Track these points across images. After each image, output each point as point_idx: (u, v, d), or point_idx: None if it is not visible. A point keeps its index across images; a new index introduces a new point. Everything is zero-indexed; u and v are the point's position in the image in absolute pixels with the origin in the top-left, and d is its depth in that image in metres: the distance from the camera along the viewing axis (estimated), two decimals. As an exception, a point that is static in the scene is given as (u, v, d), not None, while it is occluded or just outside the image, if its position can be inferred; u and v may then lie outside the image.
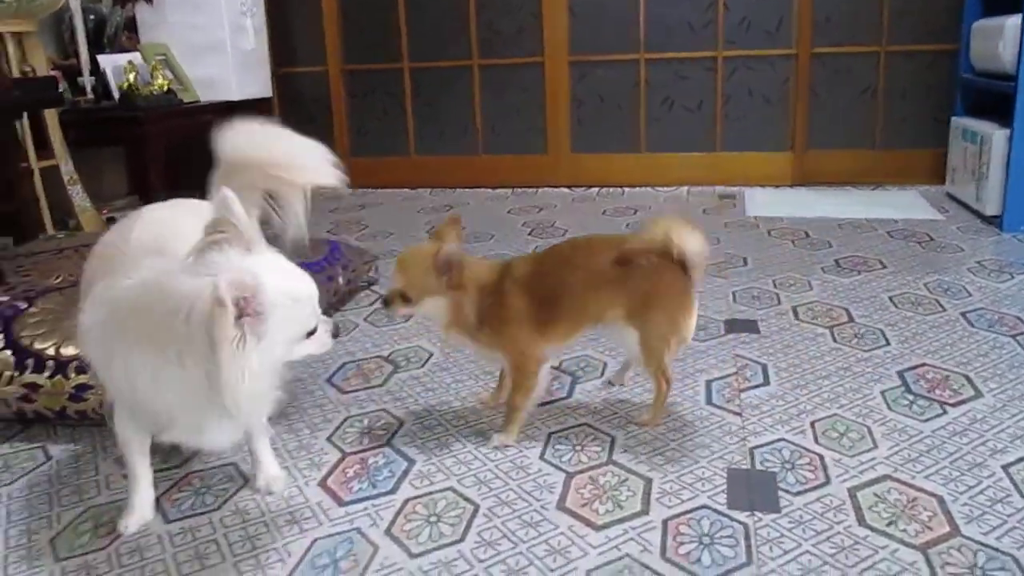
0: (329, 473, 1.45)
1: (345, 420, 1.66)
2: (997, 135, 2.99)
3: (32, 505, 1.39)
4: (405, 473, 1.45)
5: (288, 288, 1.12)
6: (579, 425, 1.60)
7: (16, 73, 2.92)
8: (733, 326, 2.09)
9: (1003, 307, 2.17)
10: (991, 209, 3.06)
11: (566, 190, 3.97)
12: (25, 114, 2.84)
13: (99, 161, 3.80)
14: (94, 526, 1.32)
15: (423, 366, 1.92)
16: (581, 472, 1.43)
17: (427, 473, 1.44)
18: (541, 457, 1.48)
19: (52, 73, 3.24)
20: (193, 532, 1.30)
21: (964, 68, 3.49)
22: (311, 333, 1.18)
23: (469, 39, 4.01)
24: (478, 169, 4.09)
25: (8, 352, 1.64)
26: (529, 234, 3.14)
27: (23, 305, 1.80)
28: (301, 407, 1.72)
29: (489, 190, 4.03)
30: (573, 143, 4.01)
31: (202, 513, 1.35)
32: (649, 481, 1.39)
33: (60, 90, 3.12)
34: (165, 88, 3.42)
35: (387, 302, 1.50)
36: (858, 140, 3.80)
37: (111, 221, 3.54)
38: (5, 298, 1.86)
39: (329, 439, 1.58)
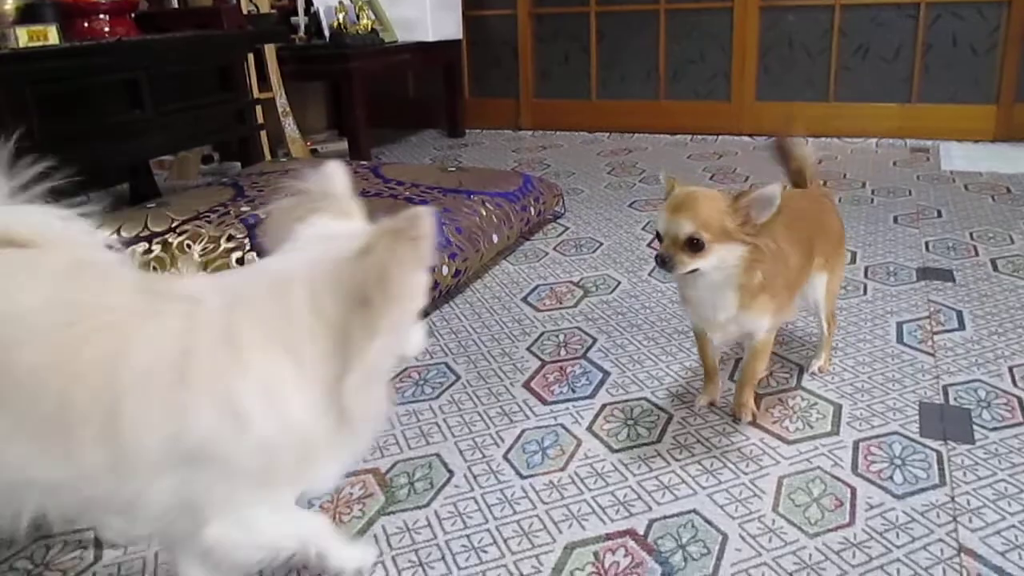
0: (532, 377, 1.59)
1: (542, 334, 1.79)
2: None
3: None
4: (601, 383, 1.56)
5: None
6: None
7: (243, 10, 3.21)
8: (926, 274, 2.06)
9: None
10: None
11: (747, 138, 3.92)
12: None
13: (301, 97, 4.10)
14: (332, 402, 1.52)
15: (612, 292, 2.02)
16: (770, 394, 1.49)
17: (622, 384, 1.55)
18: (731, 378, 1.56)
19: (271, 13, 3.52)
20: (417, 415, 1.46)
21: None
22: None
23: (658, -17, 4.00)
24: (658, 114, 4.11)
25: (254, 253, 1.86)
26: (710, 178, 3.16)
27: (263, 214, 2.04)
28: (501, 320, 1.86)
29: (668, 136, 4.04)
30: (758, 91, 3.95)
31: (423, 400, 1.51)
32: (839, 407, 1.44)
33: (284, 26, 3.39)
34: (369, 28, 3.64)
35: (665, 260, 1.20)
36: (1074, 94, 3.54)
37: (315, 152, 3.84)
38: (246, 208, 2.11)
39: (529, 349, 1.71)
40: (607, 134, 4.16)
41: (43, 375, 0.79)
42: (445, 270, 1.92)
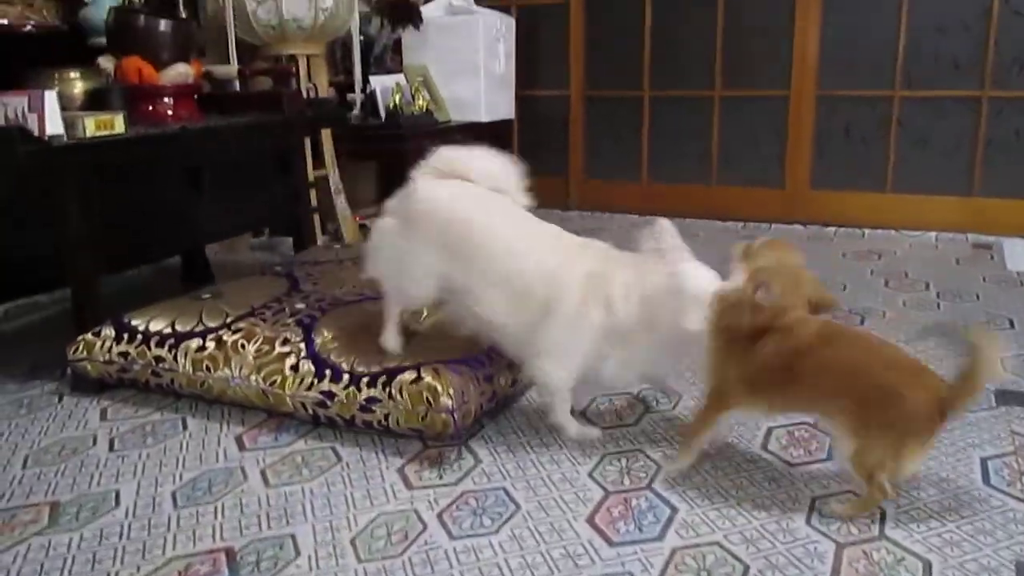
0: (595, 511, 1.51)
1: (604, 457, 1.71)
2: None
3: (332, 503, 1.55)
4: (670, 520, 1.48)
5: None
6: (844, 492, 1.56)
7: (303, 91, 3.24)
8: (1006, 398, 1.96)
9: None
10: None
11: (800, 227, 3.85)
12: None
13: (352, 168, 4.13)
14: (387, 532, 1.45)
15: (674, 407, 1.94)
16: (852, 544, 1.40)
17: (692, 523, 1.47)
18: (807, 522, 1.47)
19: (330, 92, 3.56)
20: (476, 552, 1.39)
21: None
22: None
23: (712, 69, 3.99)
24: (710, 199, 4.06)
25: (309, 362, 1.82)
26: (768, 274, 3.09)
27: (318, 314, 2.00)
28: (559, 438, 1.79)
29: (719, 222, 3.98)
30: (813, 179, 3.89)
31: (482, 535, 1.44)
32: (927, 564, 1.34)
33: (343, 110, 3.42)
34: (424, 108, 3.65)
35: None
36: None
37: (364, 227, 3.84)
38: (301, 305, 2.08)
39: (591, 474, 1.64)
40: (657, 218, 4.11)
41: (527, 273, 1.68)
42: (503, 379, 1.86)
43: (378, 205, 4.28)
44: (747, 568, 1.34)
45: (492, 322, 1.72)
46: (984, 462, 1.67)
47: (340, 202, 3.50)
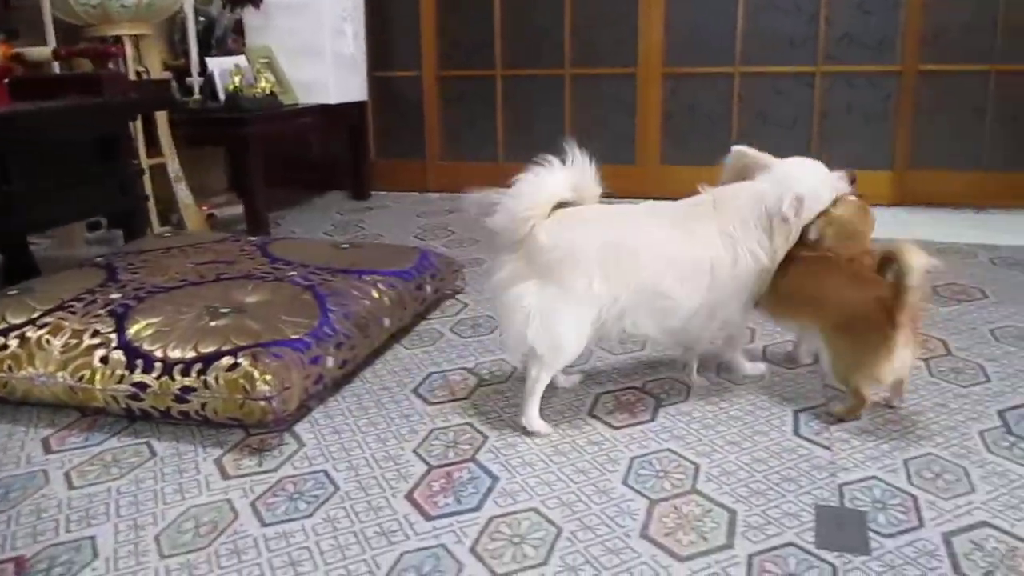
0: (416, 486, 1.49)
1: (431, 432, 1.69)
2: (1115, 161, 2.85)
3: (139, 501, 1.47)
4: (489, 490, 1.47)
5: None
6: (662, 450, 1.59)
7: (132, 74, 3.07)
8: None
9: (1114, 346, 2.07)
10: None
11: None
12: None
13: (198, 158, 3.96)
14: (195, 525, 1.38)
15: (507, 380, 1.94)
16: (664, 500, 1.43)
17: (511, 491, 1.46)
18: (624, 482, 1.49)
19: (164, 75, 3.39)
20: (287, 538, 1.35)
21: (1081, 89, 3.33)
22: None
23: (563, 49, 4.02)
24: (566, 178, 4.09)
25: (120, 352, 1.72)
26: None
27: (133, 303, 1.90)
28: (389, 416, 1.76)
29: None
30: (663, 155, 3.98)
31: (296, 519, 1.39)
32: (734, 513, 1.38)
33: (172, 93, 3.26)
34: (268, 91, 3.53)
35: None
36: (964, 161, 3.66)
37: (211, 217, 3.69)
38: (117, 295, 1.96)
39: (415, 450, 1.61)
40: (515, 197, 4.11)
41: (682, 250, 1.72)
42: (331, 361, 1.81)
43: (229, 194, 4.15)
44: (560, 531, 1.34)
45: (676, 315, 1.73)
46: (797, 415, 1.73)
47: (181, 190, 3.34)
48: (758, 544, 1.30)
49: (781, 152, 1.90)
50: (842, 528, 1.34)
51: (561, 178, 1.69)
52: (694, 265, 1.70)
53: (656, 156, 3.99)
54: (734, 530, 1.34)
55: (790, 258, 1.76)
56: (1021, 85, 3.55)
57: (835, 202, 1.78)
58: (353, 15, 3.95)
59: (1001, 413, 1.73)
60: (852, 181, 1.83)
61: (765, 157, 1.83)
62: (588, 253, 1.63)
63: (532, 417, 1.68)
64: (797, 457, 1.56)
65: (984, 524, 1.34)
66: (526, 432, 1.68)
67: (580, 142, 1.55)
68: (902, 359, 1.60)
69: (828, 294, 1.71)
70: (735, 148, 1.85)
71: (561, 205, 1.69)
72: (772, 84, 3.81)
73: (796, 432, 1.66)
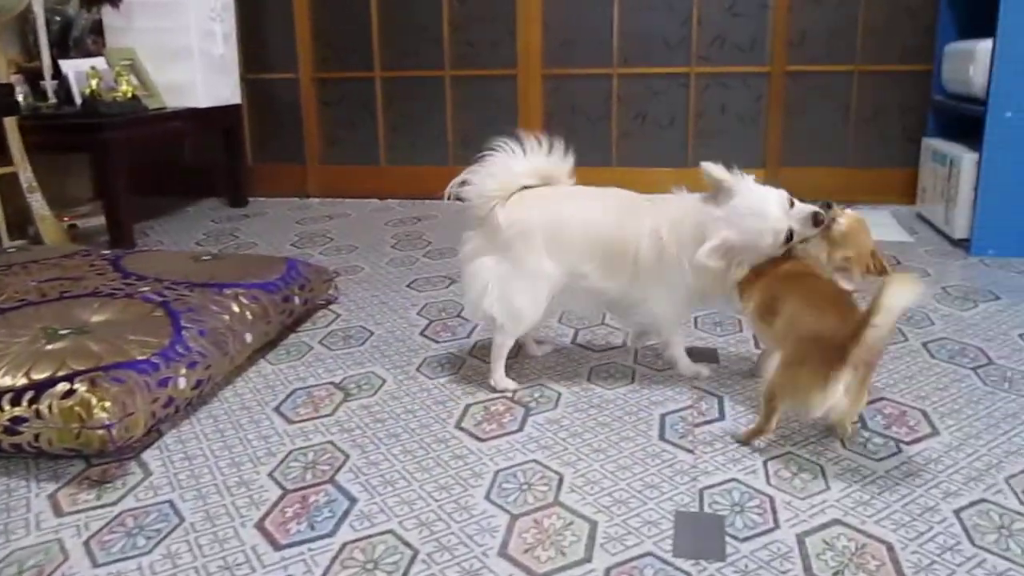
0: (268, 513, 1.41)
1: (290, 454, 1.61)
2: (966, 159, 2.99)
3: (-45, 545, 1.34)
4: (346, 514, 1.41)
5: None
6: (528, 462, 1.56)
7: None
8: (692, 355, 2.06)
9: (966, 337, 2.16)
10: (959, 232, 3.05)
11: (537, 203, 3.93)
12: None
13: (62, 166, 3.74)
14: (18, 571, 1.27)
15: (375, 394, 1.88)
16: (526, 514, 1.40)
17: (368, 513, 1.41)
18: (487, 497, 1.45)
19: (12, 78, 3.18)
20: (120, 578, 1.25)
21: (936, 90, 3.49)
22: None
23: (442, 50, 3.97)
24: (449, 180, 4.03)
25: (-61, 381, 1.58)
26: (496, 251, 3.10)
27: (-38, 328, 1.75)
28: (246, 438, 1.68)
29: (460, 202, 3.96)
30: (545, 156, 3.98)
31: (132, 557, 1.30)
32: (595, 525, 1.36)
33: (18, 97, 3.06)
34: (130, 94, 3.35)
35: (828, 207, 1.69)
36: (832, 158, 3.79)
37: (73, 228, 3.49)
38: (-59, 320, 1.81)
39: (271, 474, 1.54)
40: (398, 201, 4.05)
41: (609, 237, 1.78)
42: (183, 382, 1.71)
43: (95, 203, 3.93)
44: (416, 553, 1.29)
45: (610, 291, 1.83)
46: (663, 418, 1.73)
47: (36, 201, 3.13)
48: (616, 556, 1.28)
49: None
50: (700, 534, 1.34)
51: (528, 164, 1.83)
52: (617, 253, 1.76)
53: (539, 158, 3.98)
54: (594, 543, 1.31)
55: (777, 268, 1.70)
56: (882, 85, 3.70)
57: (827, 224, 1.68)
58: (223, 15, 3.80)
59: (858, 408, 1.77)
60: (817, 224, 1.67)
61: (729, 181, 1.70)
62: (536, 232, 1.78)
63: (499, 378, 1.88)
64: (661, 463, 1.55)
65: (836, 522, 1.36)
66: (495, 390, 1.87)
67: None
68: (837, 400, 1.45)
69: (794, 311, 1.59)
70: (702, 164, 1.72)
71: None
72: (649, 85, 3.86)
73: (662, 436, 1.65)
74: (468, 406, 1.80)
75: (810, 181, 3.78)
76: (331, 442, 1.66)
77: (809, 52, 3.71)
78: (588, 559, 1.27)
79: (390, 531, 1.35)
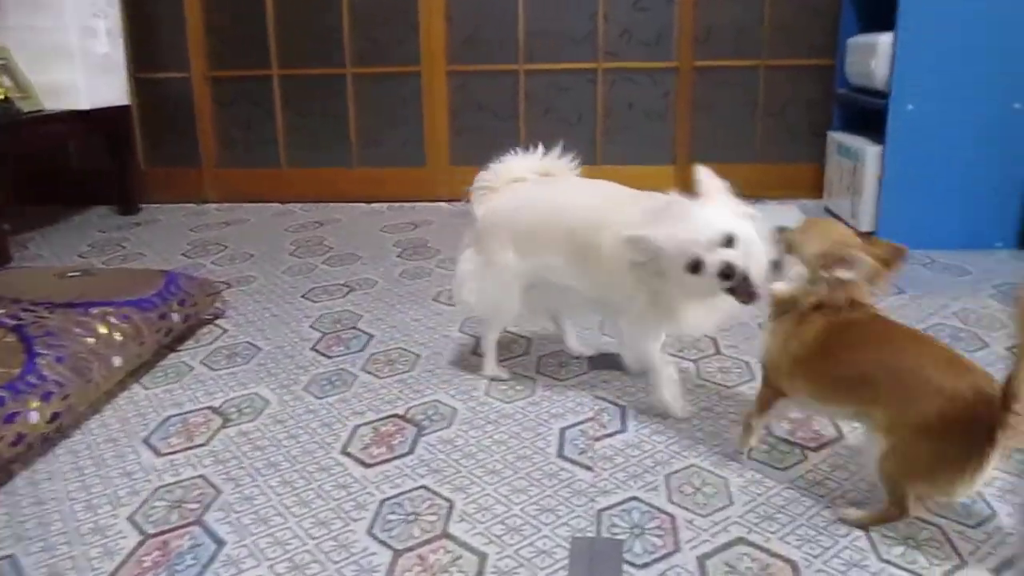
0: (122, 564, 1.27)
1: (155, 491, 1.47)
2: (870, 152, 2.99)
3: None
4: (211, 560, 1.27)
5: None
6: (416, 488, 1.45)
7: None
8: (597, 362, 1.98)
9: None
10: (865, 225, 3.05)
11: (445, 204, 3.82)
12: None
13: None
14: None
15: (256, 418, 1.74)
16: (410, 549, 1.28)
17: (236, 559, 1.27)
18: (369, 531, 1.33)
19: None
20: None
21: (840, 83, 3.50)
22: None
23: (342, 47, 3.81)
24: (353, 182, 3.89)
25: None
26: (398, 256, 2.98)
27: None
28: (107, 476, 1.52)
29: (364, 205, 3.83)
30: (452, 155, 3.86)
31: (-45, 624, 1.15)
32: (484, 558, 1.26)
33: None
34: (2, 96, 3.12)
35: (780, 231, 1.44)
36: (740, 154, 3.78)
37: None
38: None
39: (131, 518, 1.39)
40: (300, 205, 3.87)
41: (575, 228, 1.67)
42: (35, 416, 1.55)
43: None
44: (285, 604, 1.17)
45: (582, 288, 1.74)
46: (563, 433, 1.64)
47: None
48: (506, 593, 1.18)
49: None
50: (595, 563, 1.25)
51: (524, 163, 1.85)
52: (581, 246, 1.66)
53: (446, 157, 3.86)
54: (482, 579, 1.21)
55: (835, 323, 1.34)
56: (788, 80, 3.70)
57: (792, 240, 1.42)
58: (106, 11, 3.57)
59: (763, 413, 1.71)
60: (725, 277, 1.45)
61: (709, 186, 1.58)
62: (504, 225, 1.78)
63: (489, 368, 1.91)
64: (558, 483, 1.46)
65: (740, 541, 1.29)
66: (485, 376, 1.90)
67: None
68: (986, 477, 1.19)
69: (906, 376, 1.24)
70: (696, 168, 1.60)
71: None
72: (556, 81, 3.78)
73: (560, 454, 1.56)
74: (357, 427, 1.68)
75: (719, 177, 3.76)
76: (203, 476, 1.52)
77: (715, 47, 3.68)
78: (474, 599, 1.17)
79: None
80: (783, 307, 1.41)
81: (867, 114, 3.17)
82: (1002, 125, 2.81)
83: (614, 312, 1.75)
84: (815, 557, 1.25)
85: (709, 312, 1.60)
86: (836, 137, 3.42)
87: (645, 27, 3.68)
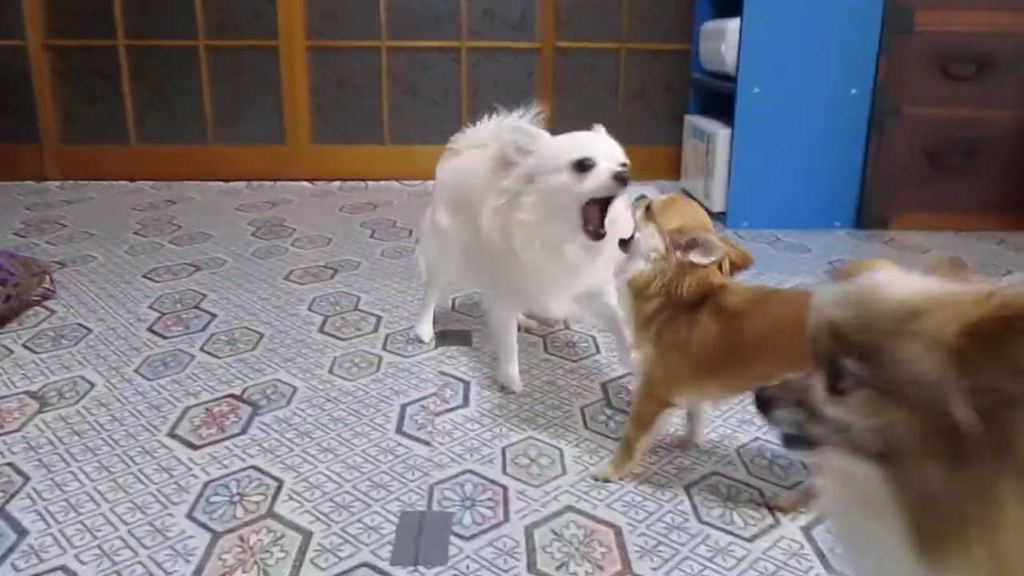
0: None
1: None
2: (720, 134, 3.09)
3: None
4: (10, 550, 1.19)
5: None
6: (245, 469, 1.40)
7: None
8: (445, 338, 1.97)
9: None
10: (717, 206, 3.16)
11: (306, 183, 3.71)
12: None
13: None
14: None
15: (78, 402, 1.64)
16: (231, 531, 1.24)
17: (39, 548, 1.19)
18: (189, 515, 1.27)
19: None
20: None
21: (695, 68, 3.60)
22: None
23: (195, 18, 3.64)
24: (209, 160, 3.73)
25: None
26: (252, 235, 2.88)
27: None
28: (-99, 466, 1.40)
29: (222, 183, 3.69)
30: (314, 133, 3.76)
31: None
32: (308, 536, 1.23)
33: None
34: None
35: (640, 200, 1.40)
36: (602, 135, 3.83)
37: None
38: None
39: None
40: (151, 183, 3.69)
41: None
42: None
43: None
44: (86, 592, 1.11)
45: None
46: (404, 409, 1.62)
47: None
48: (327, 570, 1.15)
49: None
50: (423, 537, 1.23)
51: (489, 128, 1.82)
52: (471, 218, 1.64)
53: (307, 135, 3.76)
54: (304, 557, 1.18)
55: (723, 308, 1.30)
56: (647, 63, 3.78)
57: (650, 213, 1.37)
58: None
59: (604, 386, 1.74)
60: (621, 180, 1.45)
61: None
62: (441, 190, 1.85)
63: (421, 329, 1.96)
64: (394, 458, 1.44)
65: (568, 509, 1.31)
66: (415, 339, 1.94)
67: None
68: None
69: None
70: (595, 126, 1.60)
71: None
72: (420, 59, 3.73)
73: (399, 430, 1.54)
74: (187, 409, 1.61)
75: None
76: (11, 464, 1.41)
77: (577, 29, 3.72)
78: (293, 578, 1.14)
79: (61, 567, 1.15)
80: (638, 291, 1.34)
81: (721, 98, 3.27)
82: (841, 110, 2.96)
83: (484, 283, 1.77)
84: (639, 522, 1.28)
85: (568, 279, 1.55)
86: (692, 120, 3.52)
87: (508, 7, 3.68)
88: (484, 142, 1.75)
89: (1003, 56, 2.91)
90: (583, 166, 1.43)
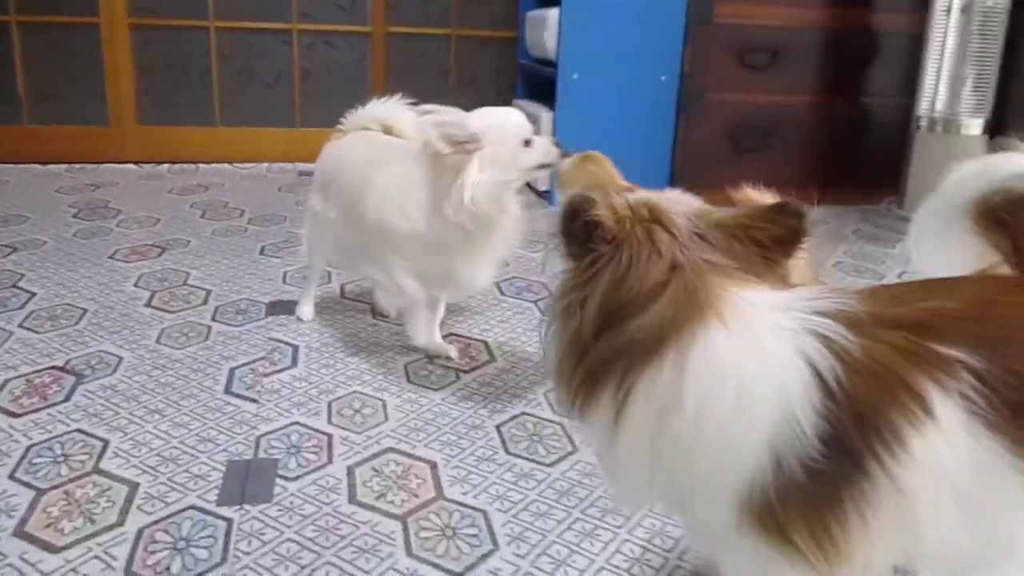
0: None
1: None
2: (544, 117, 3.27)
3: None
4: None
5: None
6: (69, 432, 1.43)
7: None
8: (275, 308, 2.03)
9: (532, 275, 2.36)
10: (543, 185, 3.34)
11: (133, 166, 3.62)
12: None
13: None
14: None
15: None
16: (56, 487, 1.27)
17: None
18: (11, 476, 1.30)
19: None
20: None
21: (522, 54, 3.77)
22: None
23: (3, -9, 3.47)
24: (24, 141, 3.56)
25: None
26: (74, 216, 2.81)
27: None
28: None
29: (39, 166, 3.53)
30: (140, 115, 3.67)
31: None
32: (135, 487, 1.28)
33: None
34: None
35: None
36: (436, 119, 3.94)
37: None
38: None
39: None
40: (-40, 166, 3.49)
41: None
42: None
43: None
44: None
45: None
46: (232, 372, 1.68)
47: None
48: (154, 514, 1.21)
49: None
50: (249, 480, 1.31)
51: (375, 111, 1.90)
52: (350, 207, 1.71)
53: (132, 117, 3.66)
54: (130, 506, 1.23)
55: None
56: (476, 49, 3.92)
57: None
58: None
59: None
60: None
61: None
62: (318, 172, 1.88)
63: (302, 309, 1.99)
64: (222, 415, 1.51)
65: (389, 450, 1.42)
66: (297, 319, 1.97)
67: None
68: None
69: None
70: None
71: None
72: (252, 41, 3.71)
73: (228, 390, 1.60)
74: (7, 382, 1.60)
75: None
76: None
77: (408, 14, 3.81)
78: (120, 523, 1.19)
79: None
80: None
81: (546, 83, 3.45)
82: (652, 95, 3.20)
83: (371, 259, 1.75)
84: (453, 457, 1.41)
85: (485, 259, 1.67)
86: (520, 105, 3.69)
87: (339, -11, 3.72)
88: (367, 124, 1.89)
89: (795, 47, 3.24)
90: (527, 142, 1.64)
